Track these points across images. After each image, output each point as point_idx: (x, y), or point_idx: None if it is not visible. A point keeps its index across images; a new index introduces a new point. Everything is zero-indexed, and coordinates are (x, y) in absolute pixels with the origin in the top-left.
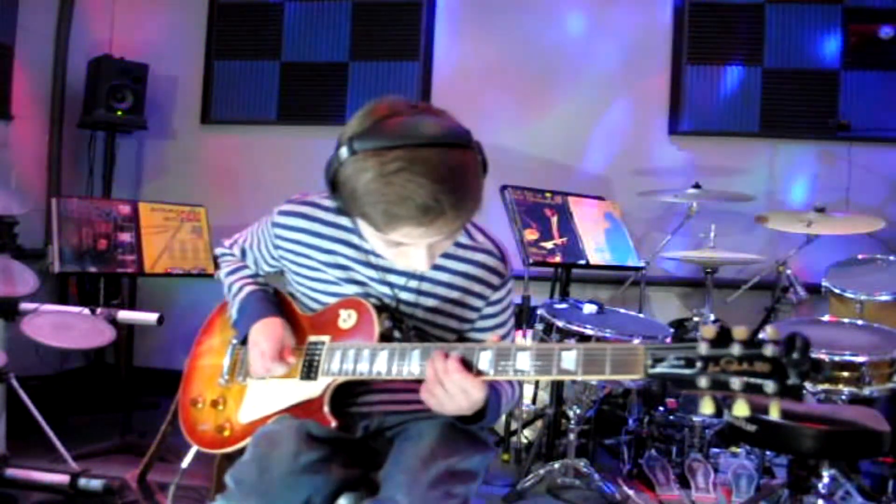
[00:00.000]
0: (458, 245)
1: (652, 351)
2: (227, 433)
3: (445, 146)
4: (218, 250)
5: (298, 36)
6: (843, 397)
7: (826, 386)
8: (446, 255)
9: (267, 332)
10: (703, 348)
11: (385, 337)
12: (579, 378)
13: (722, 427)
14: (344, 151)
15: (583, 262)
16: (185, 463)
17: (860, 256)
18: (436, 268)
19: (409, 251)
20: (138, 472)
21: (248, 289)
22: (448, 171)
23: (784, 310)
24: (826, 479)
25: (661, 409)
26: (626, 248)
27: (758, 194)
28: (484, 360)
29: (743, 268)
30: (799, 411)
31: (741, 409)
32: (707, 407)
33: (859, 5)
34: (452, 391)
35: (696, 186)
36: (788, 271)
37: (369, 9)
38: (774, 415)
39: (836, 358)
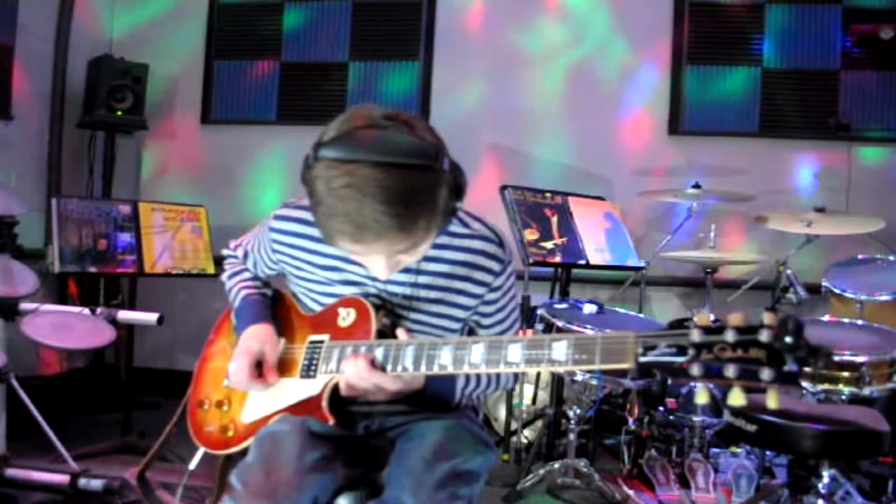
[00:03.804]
0: (453, 234)
1: (643, 339)
2: (231, 433)
3: (402, 167)
4: (224, 251)
5: (298, 36)
6: (843, 397)
7: (826, 386)
8: (441, 246)
9: (246, 346)
10: (696, 335)
11: (383, 334)
12: (570, 367)
13: (722, 427)
14: (311, 155)
15: (583, 262)
16: (192, 464)
17: (860, 256)
18: (432, 260)
19: (368, 260)
20: (138, 469)
21: (243, 293)
22: (396, 192)
23: (784, 310)
24: (826, 479)
25: (661, 409)
26: (626, 248)
27: (758, 194)
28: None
29: (743, 268)
30: (799, 411)
31: (737, 398)
32: (701, 397)
33: (859, 5)
34: (368, 387)
35: (696, 186)
36: (788, 271)
37: (369, 9)
38: (772, 404)
39: (836, 358)
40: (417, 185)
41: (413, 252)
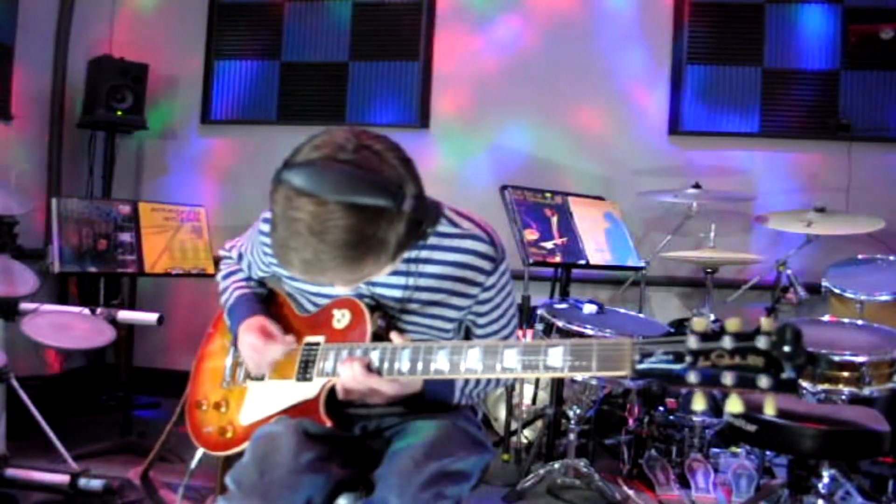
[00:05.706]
0: (443, 235)
1: (639, 346)
2: (229, 435)
3: (355, 208)
4: (220, 252)
5: (298, 36)
6: (843, 397)
7: (826, 386)
8: (432, 247)
9: (248, 328)
10: (693, 342)
11: (378, 336)
12: (567, 374)
13: (722, 427)
14: (279, 172)
15: (583, 262)
16: (193, 464)
17: (860, 256)
18: (424, 261)
19: None
20: (142, 469)
21: (237, 293)
22: (344, 237)
23: (784, 310)
24: (826, 479)
25: (661, 409)
26: (626, 248)
27: (758, 194)
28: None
29: (743, 268)
30: (799, 411)
31: (735, 405)
32: (698, 403)
33: (859, 5)
34: (364, 391)
35: (696, 186)
36: (788, 271)
37: (369, 9)
38: (769, 411)
39: (836, 358)
40: (367, 230)
41: (367, 279)
